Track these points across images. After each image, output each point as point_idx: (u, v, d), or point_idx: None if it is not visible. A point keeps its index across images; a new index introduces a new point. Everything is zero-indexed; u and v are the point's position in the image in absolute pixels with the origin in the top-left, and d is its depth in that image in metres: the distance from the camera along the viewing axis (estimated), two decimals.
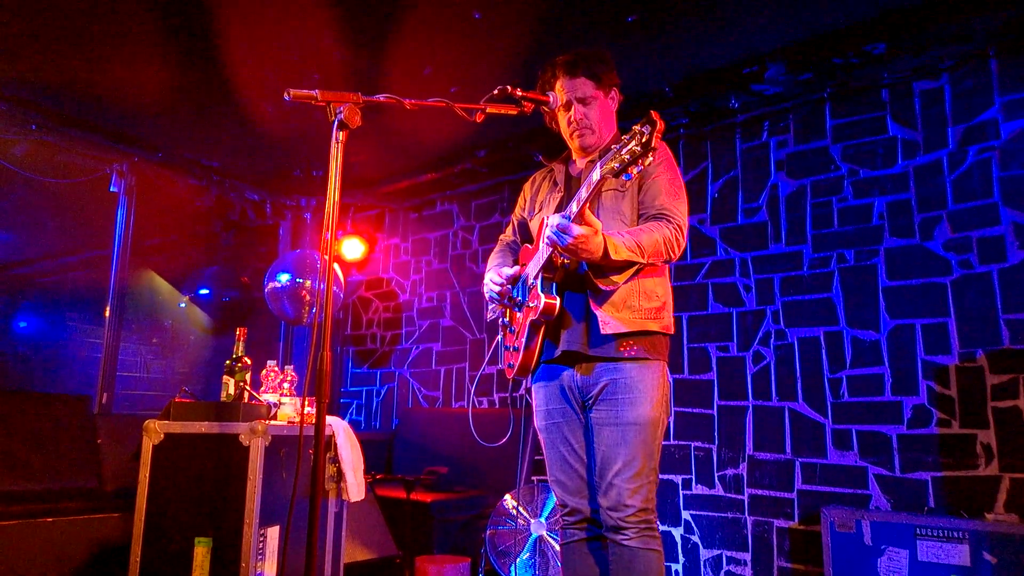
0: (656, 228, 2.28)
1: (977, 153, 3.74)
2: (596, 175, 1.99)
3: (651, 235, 2.25)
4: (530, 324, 2.37)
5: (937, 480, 3.62)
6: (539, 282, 2.31)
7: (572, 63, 2.46)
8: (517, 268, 2.51)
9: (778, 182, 4.34)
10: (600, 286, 2.27)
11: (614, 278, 2.28)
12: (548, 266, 2.29)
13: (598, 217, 2.37)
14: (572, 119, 2.47)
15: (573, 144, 2.54)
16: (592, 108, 2.48)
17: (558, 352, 2.37)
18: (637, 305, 2.31)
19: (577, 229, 2.07)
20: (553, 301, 2.29)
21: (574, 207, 2.09)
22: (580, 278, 2.34)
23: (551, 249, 2.20)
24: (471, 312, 5.74)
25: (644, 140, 1.83)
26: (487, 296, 2.56)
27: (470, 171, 5.52)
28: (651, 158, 1.85)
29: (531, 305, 2.34)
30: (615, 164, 1.90)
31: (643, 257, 2.23)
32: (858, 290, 3.97)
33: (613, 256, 2.15)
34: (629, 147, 1.86)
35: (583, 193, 2.06)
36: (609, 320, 2.27)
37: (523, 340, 2.41)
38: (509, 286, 2.49)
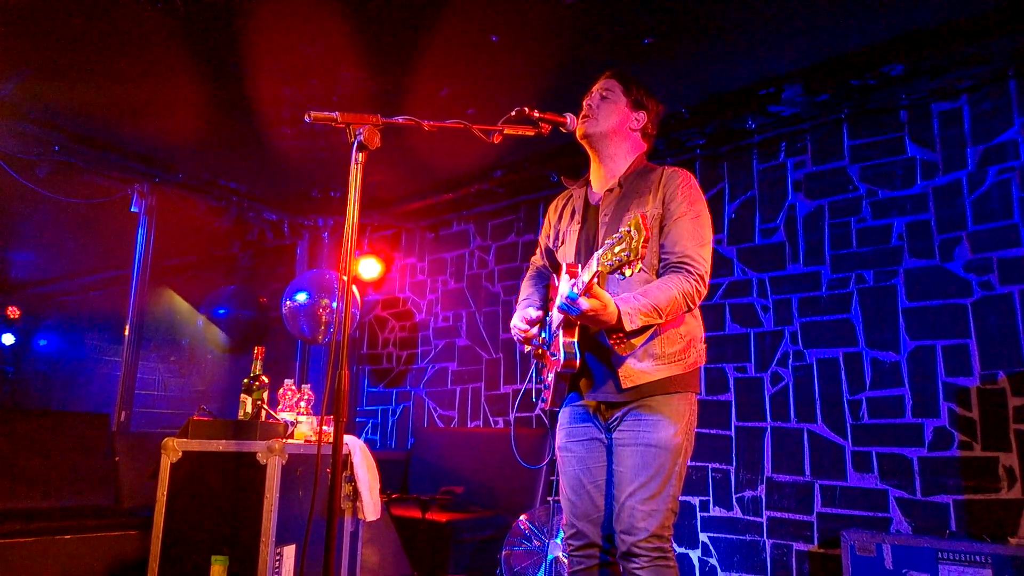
0: (675, 283, 2.22)
1: (997, 174, 3.72)
2: (594, 265, 1.95)
3: (669, 293, 2.20)
4: (555, 372, 2.35)
5: (959, 503, 3.57)
6: (560, 333, 2.27)
7: (612, 70, 2.54)
8: (540, 313, 2.49)
9: (796, 202, 4.33)
10: (618, 353, 2.24)
11: (633, 341, 2.23)
12: (567, 323, 2.26)
13: None
14: (583, 105, 2.49)
15: (577, 135, 2.49)
16: (606, 103, 2.47)
17: (582, 401, 2.39)
18: (659, 352, 2.27)
19: (585, 304, 2.03)
20: (572, 359, 2.25)
21: (580, 284, 2.04)
22: (597, 336, 2.29)
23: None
24: (487, 332, 5.75)
25: (633, 246, 1.79)
26: (515, 338, 2.52)
27: (487, 191, 5.54)
28: (640, 265, 1.84)
29: (554, 357, 2.32)
30: (608, 263, 1.87)
31: (662, 317, 2.18)
32: (877, 311, 3.94)
33: (627, 328, 2.11)
34: (619, 249, 1.83)
35: (585, 275, 2.01)
36: (629, 375, 2.25)
37: (552, 380, 2.40)
38: (534, 331, 2.45)
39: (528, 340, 2.47)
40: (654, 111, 2.55)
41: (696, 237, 2.32)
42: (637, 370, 2.25)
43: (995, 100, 3.78)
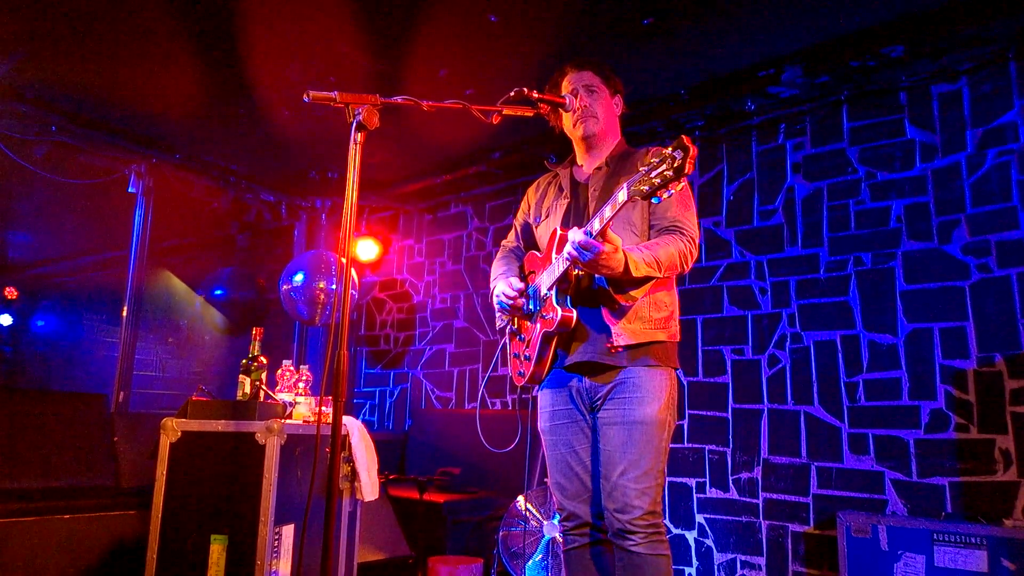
0: (672, 242, 2.30)
1: (996, 156, 3.72)
2: (623, 196, 1.97)
3: (667, 249, 2.27)
4: (543, 335, 2.36)
5: (955, 485, 3.59)
6: (554, 294, 2.32)
7: (580, 60, 2.55)
8: (526, 278, 2.53)
9: (794, 184, 4.32)
10: (620, 301, 2.30)
11: (633, 293, 2.30)
12: (563, 279, 2.30)
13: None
14: (577, 106, 2.48)
15: (576, 134, 2.53)
16: (597, 99, 2.50)
17: (570, 362, 2.38)
18: (647, 316, 2.33)
19: (600, 247, 2.07)
20: (570, 314, 2.30)
21: (596, 224, 2.07)
22: (593, 291, 2.35)
23: (568, 263, 2.18)
24: (484, 314, 5.75)
25: (676, 165, 1.80)
26: (497, 306, 2.55)
27: (485, 173, 5.53)
28: (683, 183, 1.84)
29: (546, 317, 2.34)
30: (644, 187, 1.87)
31: (660, 271, 2.26)
32: (875, 293, 3.95)
33: (634, 273, 2.17)
34: (660, 171, 1.84)
35: (607, 212, 2.03)
36: (621, 332, 2.29)
37: (535, 350, 2.41)
38: (521, 298, 2.48)
39: (515, 308, 2.48)
40: (622, 87, 2.62)
41: (684, 205, 2.41)
42: (628, 329, 2.30)
43: (995, 82, 3.77)
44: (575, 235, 2.11)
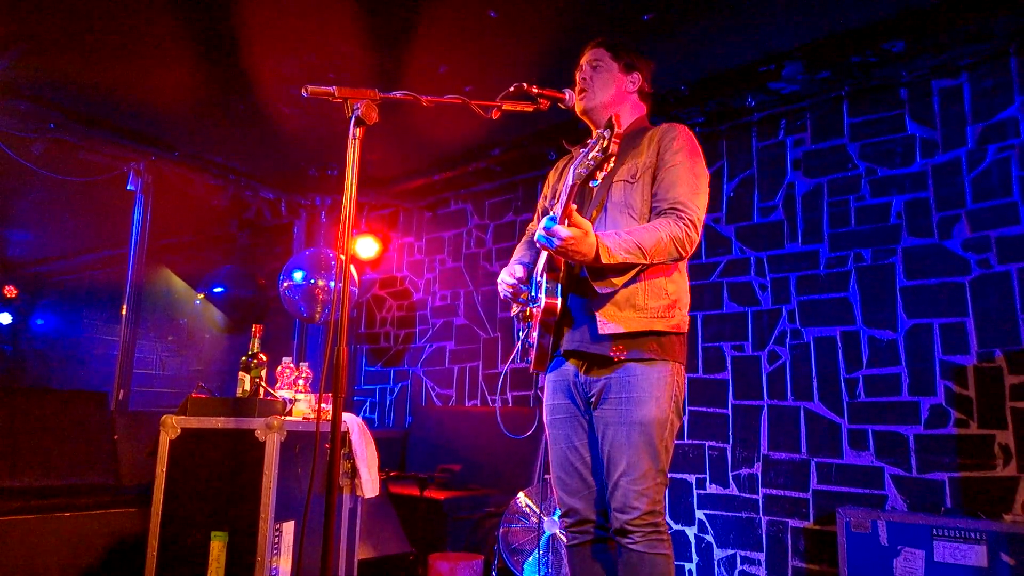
0: (663, 226, 2.19)
1: (996, 152, 3.71)
2: (570, 179, 1.95)
3: (655, 234, 2.17)
4: (538, 323, 2.34)
5: (954, 481, 3.59)
6: (544, 281, 2.28)
7: (597, 40, 2.52)
8: (526, 270, 2.50)
9: (794, 181, 4.32)
10: (597, 289, 2.21)
11: (614, 280, 2.21)
12: (550, 266, 2.26)
13: (605, 211, 2.33)
14: (577, 80, 2.48)
15: (577, 110, 2.49)
16: (599, 73, 2.46)
17: (562, 350, 2.36)
18: (642, 304, 2.24)
19: (564, 232, 2.00)
20: (553, 302, 2.25)
21: (558, 209, 2.03)
22: (582, 279, 2.28)
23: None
24: (485, 311, 5.75)
25: (604, 146, 1.78)
26: (501, 295, 2.53)
27: (484, 170, 5.52)
28: (612, 164, 1.82)
29: (536, 304, 2.33)
30: (582, 170, 1.85)
31: (645, 258, 2.15)
32: (875, 289, 3.95)
33: (605, 260, 2.09)
34: (592, 153, 1.82)
35: (563, 197, 2.01)
36: (608, 321, 2.21)
37: (536, 336, 2.40)
38: (522, 285, 2.44)
39: (515, 296, 2.45)
40: (647, 69, 2.54)
41: (690, 184, 2.28)
42: (617, 318, 2.22)
43: (996, 78, 3.76)
44: (543, 222, 2.08)
